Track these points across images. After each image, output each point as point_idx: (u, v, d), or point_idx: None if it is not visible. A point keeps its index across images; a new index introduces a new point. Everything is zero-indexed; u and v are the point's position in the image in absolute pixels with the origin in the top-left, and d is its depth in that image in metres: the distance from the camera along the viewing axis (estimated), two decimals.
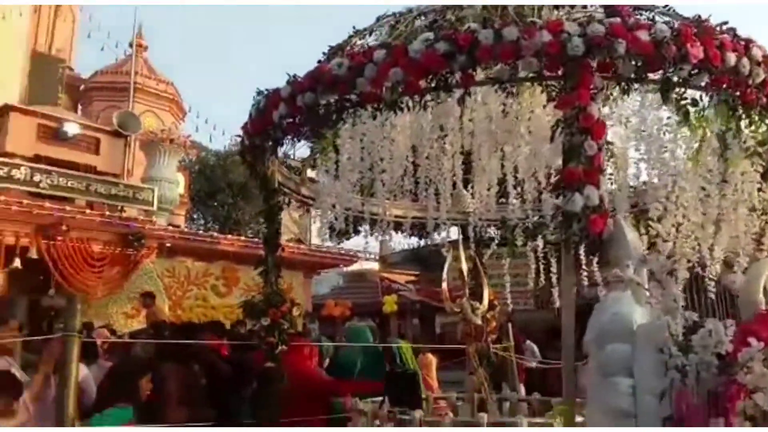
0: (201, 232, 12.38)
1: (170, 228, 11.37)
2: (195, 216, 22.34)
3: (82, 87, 13.89)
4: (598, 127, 2.61)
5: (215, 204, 22.27)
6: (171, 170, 11.91)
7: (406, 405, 3.38)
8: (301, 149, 4.97)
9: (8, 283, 8.91)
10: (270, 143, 3.62)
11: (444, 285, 4.16)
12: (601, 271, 2.84)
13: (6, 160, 8.93)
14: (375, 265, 21.47)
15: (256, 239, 15.34)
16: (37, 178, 9.04)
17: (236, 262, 12.16)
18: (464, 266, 4.25)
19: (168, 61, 49.42)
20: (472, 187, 5.30)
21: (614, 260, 2.38)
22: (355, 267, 17.83)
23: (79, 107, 13.17)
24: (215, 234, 12.44)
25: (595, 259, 3.20)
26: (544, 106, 3.40)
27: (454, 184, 4.90)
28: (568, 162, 2.59)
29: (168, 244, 10.79)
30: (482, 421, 3.19)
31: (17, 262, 8.68)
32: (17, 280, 9.02)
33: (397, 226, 5.67)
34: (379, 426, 3.45)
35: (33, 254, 8.83)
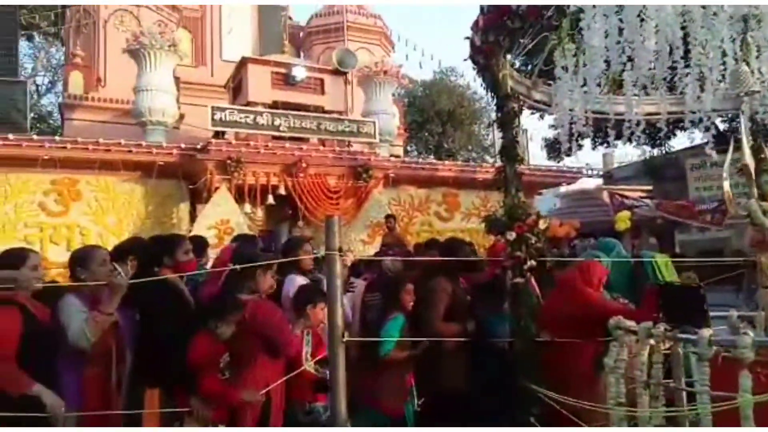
0: (420, 160, 12.62)
1: (392, 158, 11.78)
2: (408, 148, 23.15)
3: (301, 34, 14.87)
4: None
5: (425, 133, 22.70)
6: (387, 102, 12.21)
7: (687, 322, 2.90)
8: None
9: (266, 217, 10.19)
10: (503, 38, 3.26)
11: (725, 185, 3.45)
12: None
13: (250, 108, 9.97)
14: (596, 183, 19.93)
15: (473, 163, 15.24)
16: (276, 122, 9.95)
17: (455, 187, 12.22)
18: (749, 161, 3.46)
19: None
20: (748, 65, 4.31)
21: None
22: (573, 187, 16.73)
23: (301, 54, 14.16)
24: (433, 161, 12.60)
25: None
26: None
27: (724, 64, 4.01)
28: None
29: (392, 174, 11.23)
30: None
31: (270, 199, 9.83)
32: (272, 213, 10.28)
33: (646, 128, 4.92)
34: (654, 345, 3.04)
35: (281, 191, 9.91)
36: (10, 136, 8.55)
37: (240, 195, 9.58)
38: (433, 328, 3.41)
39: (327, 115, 10.57)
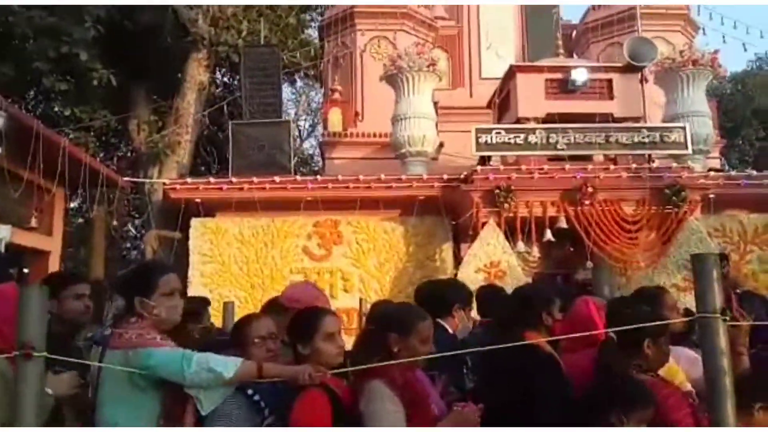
0: (753, 173, 9.36)
1: (711, 174, 8.89)
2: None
3: (573, 33, 12.80)
4: None
5: (739, 140, 17.89)
6: (700, 100, 9.30)
7: None
8: None
9: (543, 256, 8.34)
10: None
11: None
12: None
13: (520, 126, 8.38)
14: None
15: None
16: (552, 139, 8.19)
17: None
18: None
19: None
20: None
21: None
22: None
23: (574, 56, 12.10)
24: None
25: None
26: None
27: None
28: None
29: (712, 195, 8.40)
30: None
31: (549, 234, 7.97)
32: (550, 252, 8.39)
33: None
34: None
35: (561, 224, 7.99)
36: (276, 179, 8.52)
37: (511, 231, 8.01)
38: None
39: (617, 125, 8.37)
